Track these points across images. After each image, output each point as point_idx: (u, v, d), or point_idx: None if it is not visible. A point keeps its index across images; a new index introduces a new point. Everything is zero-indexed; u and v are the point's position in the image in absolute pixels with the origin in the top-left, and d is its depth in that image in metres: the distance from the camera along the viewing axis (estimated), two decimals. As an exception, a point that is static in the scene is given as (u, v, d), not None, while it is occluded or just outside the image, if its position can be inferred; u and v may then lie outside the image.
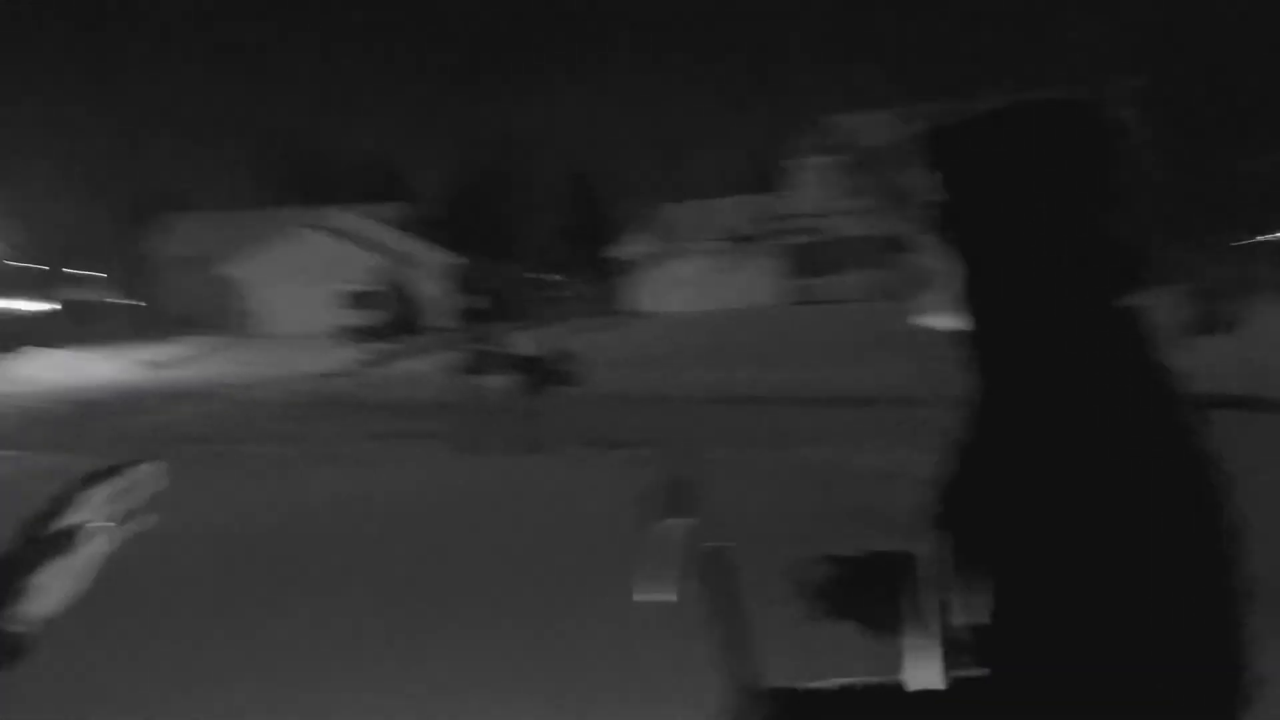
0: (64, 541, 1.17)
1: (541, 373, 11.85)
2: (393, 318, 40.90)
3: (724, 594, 1.49)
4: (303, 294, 42.49)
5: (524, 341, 14.69)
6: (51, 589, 1.16)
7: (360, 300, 42.24)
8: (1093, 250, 1.26)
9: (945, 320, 1.38)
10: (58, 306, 52.25)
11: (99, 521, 1.20)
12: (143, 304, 54.77)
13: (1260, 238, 17.00)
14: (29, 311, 48.28)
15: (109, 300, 57.58)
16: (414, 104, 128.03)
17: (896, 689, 1.35)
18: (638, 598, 1.49)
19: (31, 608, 1.15)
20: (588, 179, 77.17)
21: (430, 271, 46.05)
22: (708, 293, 39.01)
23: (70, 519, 1.19)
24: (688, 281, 40.66)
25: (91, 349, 34.67)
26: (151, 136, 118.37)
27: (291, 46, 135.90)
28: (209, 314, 45.55)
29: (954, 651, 1.29)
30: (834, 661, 1.76)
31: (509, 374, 12.09)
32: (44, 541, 1.16)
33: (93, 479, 1.23)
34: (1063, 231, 1.26)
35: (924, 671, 1.31)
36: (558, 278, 74.39)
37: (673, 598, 1.44)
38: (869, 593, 1.46)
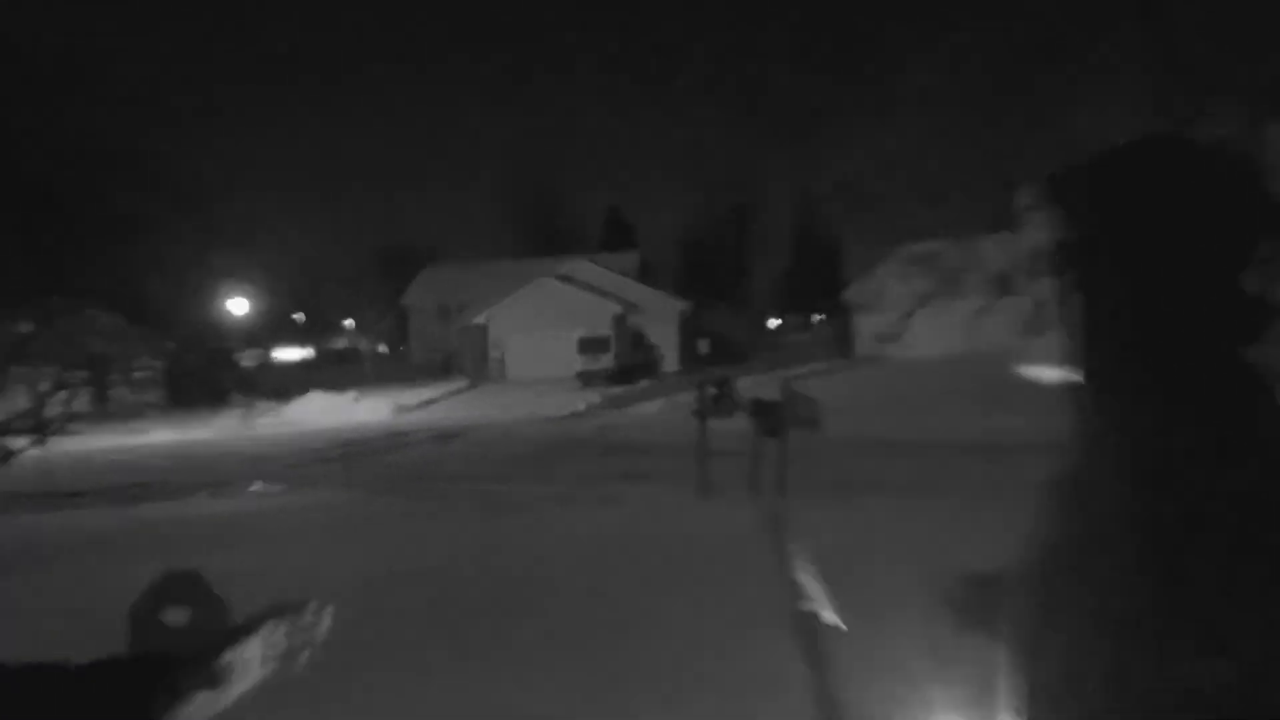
0: (237, 667, 1.23)
1: (780, 416, 11.54)
2: (628, 362, 41.65)
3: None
4: (545, 340, 44.01)
5: (759, 385, 14.45)
6: (203, 702, 1.21)
7: (597, 345, 43.31)
8: (1222, 299, 1.20)
9: (1054, 371, 1.31)
10: (318, 353, 56.21)
11: (270, 654, 1.26)
12: (395, 350, 58.25)
13: None
14: (296, 360, 52.19)
15: (364, 347, 61.55)
16: (650, 157, 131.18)
17: None
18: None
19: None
20: (816, 225, 76.58)
21: (663, 316, 46.68)
22: (945, 335, 37.62)
23: (249, 647, 1.24)
24: (921, 324, 39.39)
25: (348, 392, 37.00)
26: (405, 189, 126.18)
27: (533, 104, 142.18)
28: (457, 359, 47.87)
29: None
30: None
31: (746, 417, 11.86)
32: (220, 662, 1.23)
33: (280, 612, 1.28)
34: (1193, 278, 1.20)
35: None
36: (789, 321, 73.86)
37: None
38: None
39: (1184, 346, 1.20)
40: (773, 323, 74.09)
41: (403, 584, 8.45)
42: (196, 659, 1.24)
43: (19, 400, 11.57)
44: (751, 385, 14.22)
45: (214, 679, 1.22)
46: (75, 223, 10.81)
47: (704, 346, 46.79)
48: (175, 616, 5.13)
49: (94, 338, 12.34)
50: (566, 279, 47.25)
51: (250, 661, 1.25)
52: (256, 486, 16.74)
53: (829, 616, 1.78)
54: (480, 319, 47.01)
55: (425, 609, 7.60)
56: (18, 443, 11.37)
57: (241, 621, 1.29)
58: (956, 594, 1.59)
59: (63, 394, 11.69)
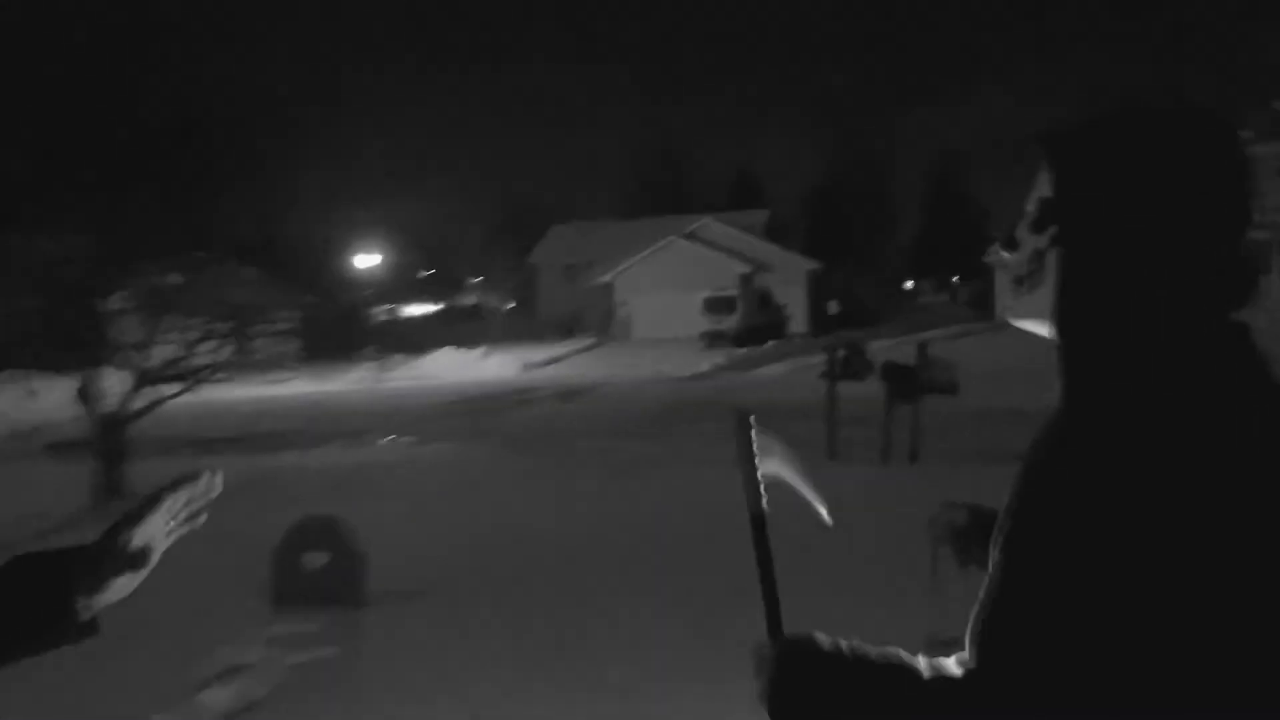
0: (146, 543, 1.30)
1: (914, 381, 11.24)
2: (753, 323, 41.32)
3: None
4: (670, 299, 43.99)
5: (892, 349, 14.12)
6: (123, 582, 1.30)
7: (723, 306, 43.09)
8: (1211, 262, 1.23)
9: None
10: (447, 309, 57.36)
11: (174, 524, 1.33)
12: (522, 308, 59.04)
13: None
14: (426, 314, 53.39)
15: (492, 304, 62.56)
16: (781, 115, 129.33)
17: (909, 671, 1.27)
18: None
19: (105, 597, 1.29)
20: (953, 182, 74.39)
21: (791, 277, 46.12)
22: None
23: (153, 522, 1.30)
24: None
25: (475, 349, 37.67)
26: (534, 148, 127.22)
27: (665, 65, 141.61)
28: (582, 318, 48.28)
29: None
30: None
31: (877, 381, 11.59)
32: (129, 540, 1.28)
33: (176, 485, 1.33)
34: (1180, 244, 1.23)
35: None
36: (924, 283, 72.11)
37: None
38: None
39: (1170, 309, 1.22)
40: (907, 285, 72.47)
41: (511, 542, 8.55)
42: (109, 542, 1.29)
43: (168, 350, 12.06)
44: (884, 349, 13.92)
45: (133, 561, 1.28)
46: (218, 177, 11.15)
47: (834, 308, 46.07)
48: (314, 560, 5.31)
49: (236, 290, 12.74)
50: (693, 238, 47.04)
51: (157, 535, 1.31)
52: (387, 439, 17.20)
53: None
54: (606, 278, 47.22)
55: (526, 570, 7.67)
56: (167, 391, 11.86)
57: (142, 499, 1.34)
58: (958, 530, 1.68)
59: (208, 344, 12.14)
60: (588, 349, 40.24)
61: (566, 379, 27.69)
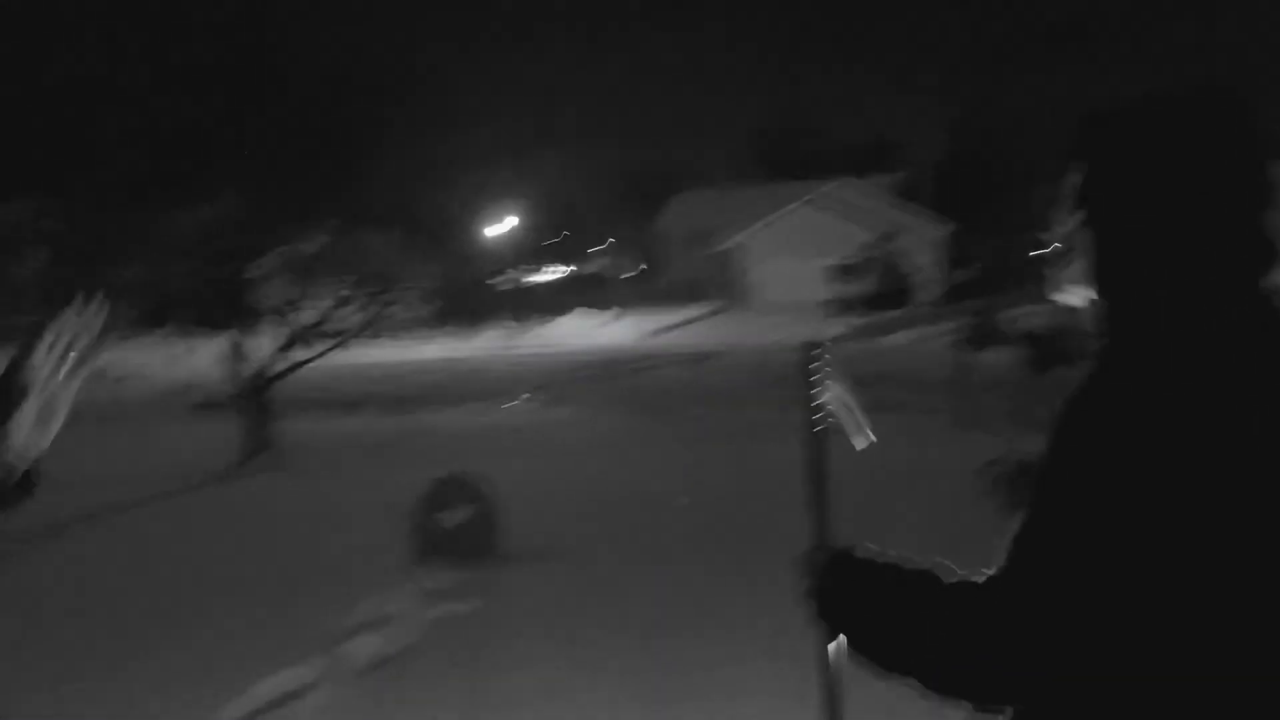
0: (29, 382, 1.33)
1: (1052, 350, 10.89)
2: (881, 289, 40.59)
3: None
4: (796, 265, 43.49)
5: (1028, 316, 13.68)
6: (22, 426, 1.33)
7: (851, 272, 42.40)
8: (1235, 237, 1.30)
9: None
10: (573, 276, 57.89)
11: (63, 364, 1.36)
12: (648, 274, 59.22)
13: None
14: (553, 280, 54.04)
15: (617, 271, 62.89)
16: (912, 76, 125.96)
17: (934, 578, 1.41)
18: None
19: (16, 443, 1.32)
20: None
21: (922, 242, 45.08)
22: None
23: (35, 359, 1.34)
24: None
25: (601, 314, 37.98)
26: (658, 113, 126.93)
27: (794, 24, 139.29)
28: (708, 284, 48.18)
29: None
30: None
31: (1012, 350, 11.27)
32: (14, 385, 1.32)
33: (38, 328, 1.36)
34: (1196, 219, 1.29)
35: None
36: (1056, 249, 69.57)
37: None
38: None
39: (1197, 282, 1.29)
40: (1046, 249, 69.85)
41: (638, 506, 8.61)
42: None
43: (311, 313, 12.50)
44: (1019, 316, 13.50)
45: (16, 401, 1.33)
46: (355, 143, 11.44)
47: (965, 274, 44.86)
48: (453, 516, 5.43)
49: (372, 256, 13.09)
50: (820, 203, 46.35)
51: (42, 373, 1.34)
52: (515, 401, 17.52)
53: None
54: (731, 244, 46.97)
55: (655, 533, 7.71)
56: (309, 352, 12.29)
57: (22, 340, 1.38)
58: (1004, 477, 1.79)
59: (349, 308, 12.54)
60: (711, 315, 40.16)
61: (690, 345, 27.71)
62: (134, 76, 10.75)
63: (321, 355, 12.37)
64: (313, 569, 6.79)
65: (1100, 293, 1.37)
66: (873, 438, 1.77)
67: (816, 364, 1.77)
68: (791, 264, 44.17)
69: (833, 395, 1.79)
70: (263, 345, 12.14)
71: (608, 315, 35.19)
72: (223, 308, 11.98)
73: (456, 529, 6.77)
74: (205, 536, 7.96)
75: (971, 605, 1.33)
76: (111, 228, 11.82)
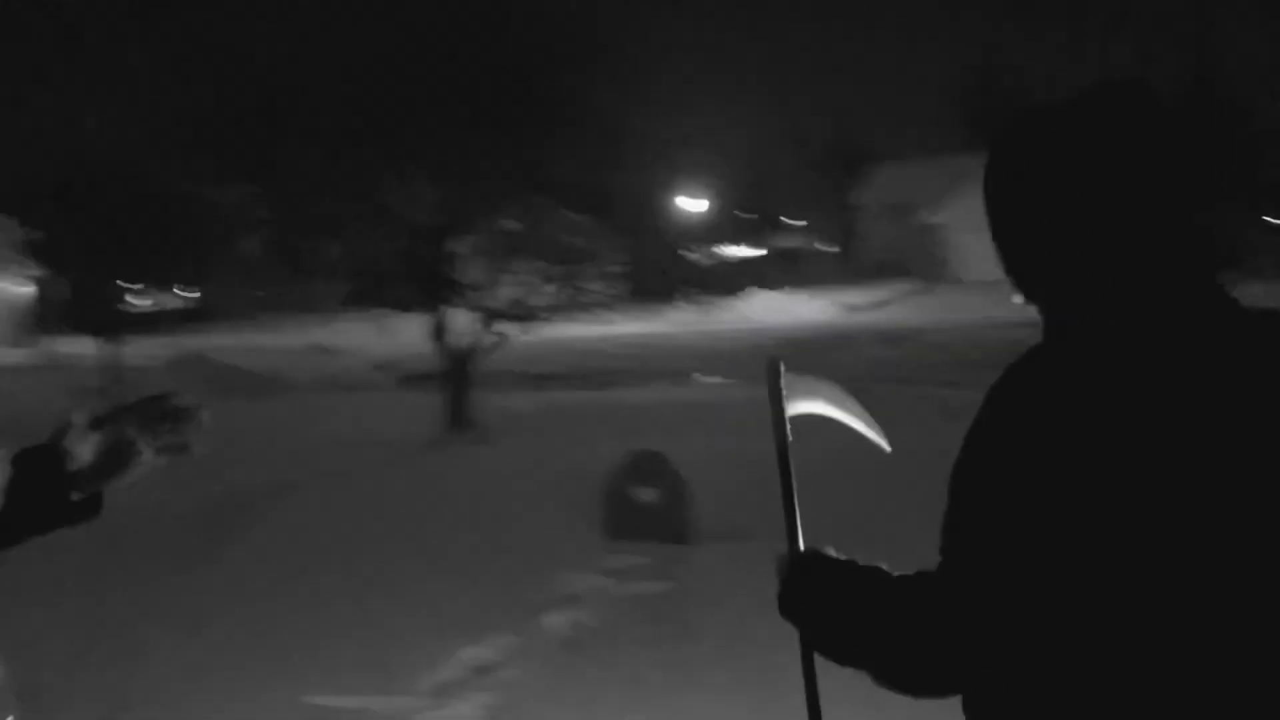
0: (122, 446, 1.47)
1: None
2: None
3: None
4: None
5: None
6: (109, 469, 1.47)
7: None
8: (1175, 234, 1.32)
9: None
10: (766, 252, 57.39)
11: (154, 440, 1.49)
12: (842, 250, 58.10)
13: None
14: (745, 257, 53.72)
15: (811, 246, 61.95)
16: (1128, 33, 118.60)
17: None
18: None
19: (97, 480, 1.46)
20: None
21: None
22: None
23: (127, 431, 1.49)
24: None
25: (795, 292, 37.43)
26: (858, 81, 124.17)
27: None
28: (906, 259, 46.81)
29: None
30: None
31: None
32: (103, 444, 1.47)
33: (157, 406, 1.51)
34: (1145, 213, 1.32)
35: None
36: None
37: None
38: None
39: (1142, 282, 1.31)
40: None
41: (815, 483, 8.32)
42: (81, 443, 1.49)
43: (507, 291, 12.76)
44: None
45: (112, 458, 1.49)
46: (553, 122, 11.53)
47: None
48: (644, 494, 5.27)
49: (568, 235, 13.23)
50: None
51: (135, 443, 1.49)
52: (708, 379, 17.44)
53: None
54: (934, 218, 45.47)
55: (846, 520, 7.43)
56: (507, 329, 12.54)
57: (116, 409, 1.53)
58: None
59: (546, 286, 12.72)
60: (913, 293, 39.01)
61: (890, 323, 26.97)
62: (340, 58, 11.16)
63: (521, 332, 12.59)
64: (508, 540, 6.87)
65: (1025, 290, 1.43)
66: (884, 444, 1.88)
67: (778, 379, 1.91)
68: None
69: (819, 407, 1.95)
70: (465, 322, 12.45)
71: (794, 296, 34.67)
72: (427, 285, 12.34)
73: (648, 506, 6.72)
74: (409, 504, 8.20)
75: (909, 596, 1.41)
76: (322, 209, 12.37)
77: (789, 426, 1.88)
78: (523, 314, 12.69)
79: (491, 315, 12.33)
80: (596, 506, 6.89)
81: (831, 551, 1.61)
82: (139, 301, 29.68)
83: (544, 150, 11.53)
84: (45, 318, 35.12)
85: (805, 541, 1.73)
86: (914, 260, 46.32)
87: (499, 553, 6.57)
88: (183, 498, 7.36)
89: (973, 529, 1.32)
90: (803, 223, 68.20)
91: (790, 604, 1.59)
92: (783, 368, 1.95)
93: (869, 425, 1.91)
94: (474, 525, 7.34)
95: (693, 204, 23.74)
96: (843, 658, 1.51)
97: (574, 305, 13.31)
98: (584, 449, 9.54)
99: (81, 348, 20.42)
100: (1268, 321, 1.31)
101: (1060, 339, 1.38)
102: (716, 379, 17.33)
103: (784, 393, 1.93)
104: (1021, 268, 1.43)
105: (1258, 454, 1.22)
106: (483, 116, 11.14)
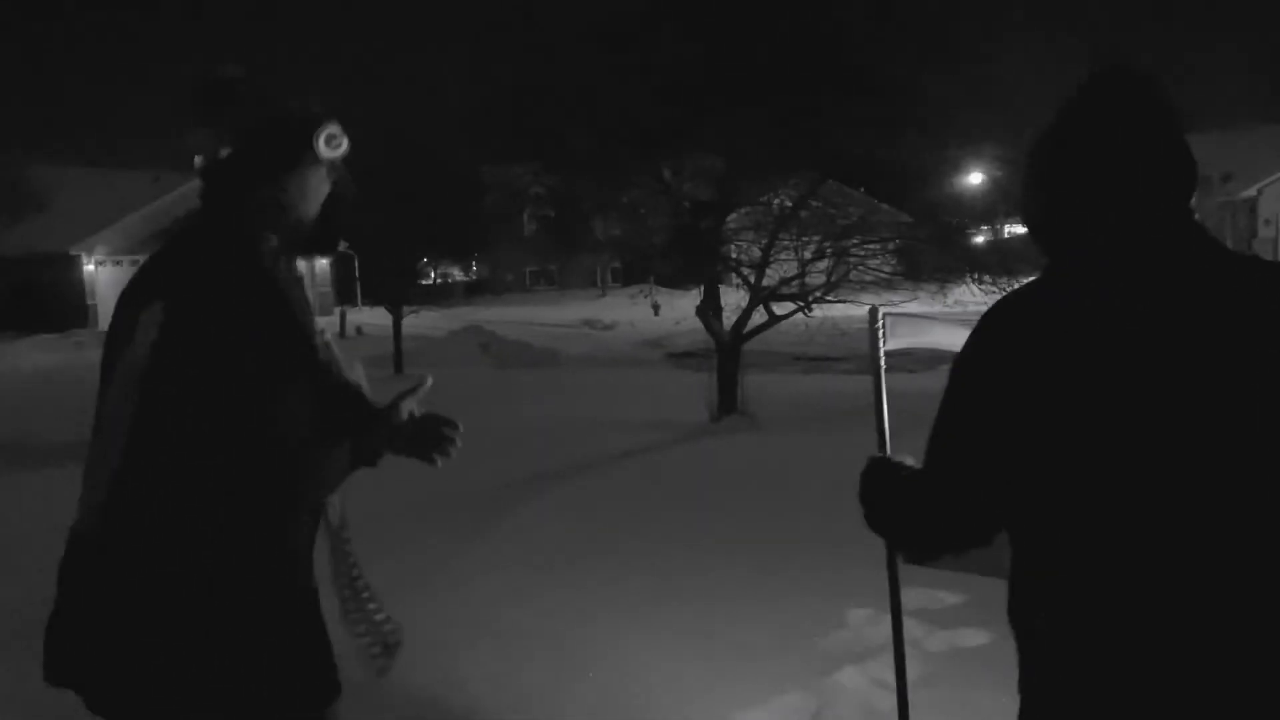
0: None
1: None
2: None
3: None
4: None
5: None
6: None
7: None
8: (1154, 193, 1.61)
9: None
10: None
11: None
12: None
13: None
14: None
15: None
16: None
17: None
18: None
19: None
20: None
21: None
22: None
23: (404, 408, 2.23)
24: None
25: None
26: (1163, 41, 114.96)
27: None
28: (1221, 237, 42.65)
29: None
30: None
31: None
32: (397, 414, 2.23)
33: (411, 392, 2.24)
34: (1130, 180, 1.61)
35: None
36: None
37: None
38: None
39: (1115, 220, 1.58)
40: None
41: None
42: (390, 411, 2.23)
43: (779, 268, 12.28)
44: None
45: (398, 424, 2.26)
46: (837, 92, 10.87)
47: None
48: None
49: (841, 210, 12.61)
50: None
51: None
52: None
53: None
54: (1249, 192, 41.41)
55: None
56: (784, 308, 12.08)
57: (396, 396, 2.24)
58: None
59: (821, 263, 12.16)
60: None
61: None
62: (623, 30, 11.01)
63: (795, 312, 12.08)
64: (785, 567, 6.17)
65: (1038, 230, 1.69)
66: None
67: (878, 324, 2.52)
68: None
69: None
70: (735, 300, 12.10)
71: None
72: (699, 261, 12.07)
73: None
74: (684, 492, 7.91)
75: (908, 484, 1.78)
76: (598, 186, 12.33)
77: (883, 359, 2.54)
78: (796, 292, 12.19)
79: (763, 293, 11.91)
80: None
81: (909, 460, 1.89)
82: (428, 275, 31.35)
83: (827, 121, 10.89)
84: (341, 288, 37.85)
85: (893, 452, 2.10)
86: (1227, 237, 42.31)
87: (775, 580, 5.84)
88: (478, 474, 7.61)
89: (972, 419, 1.59)
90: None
91: (862, 496, 1.86)
92: (881, 312, 2.58)
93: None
94: (747, 521, 6.91)
95: (974, 177, 22.36)
96: (878, 531, 1.85)
97: (849, 283, 12.66)
98: (850, 438, 8.94)
99: (374, 317, 21.67)
100: (1240, 260, 1.57)
101: (1063, 271, 1.61)
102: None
103: (882, 333, 2.52)
104: (1044, 220, 1.67)
105: (1227, 358, 1.46)
106: (765, 87, 10.64)
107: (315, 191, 2.12)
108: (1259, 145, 43.58)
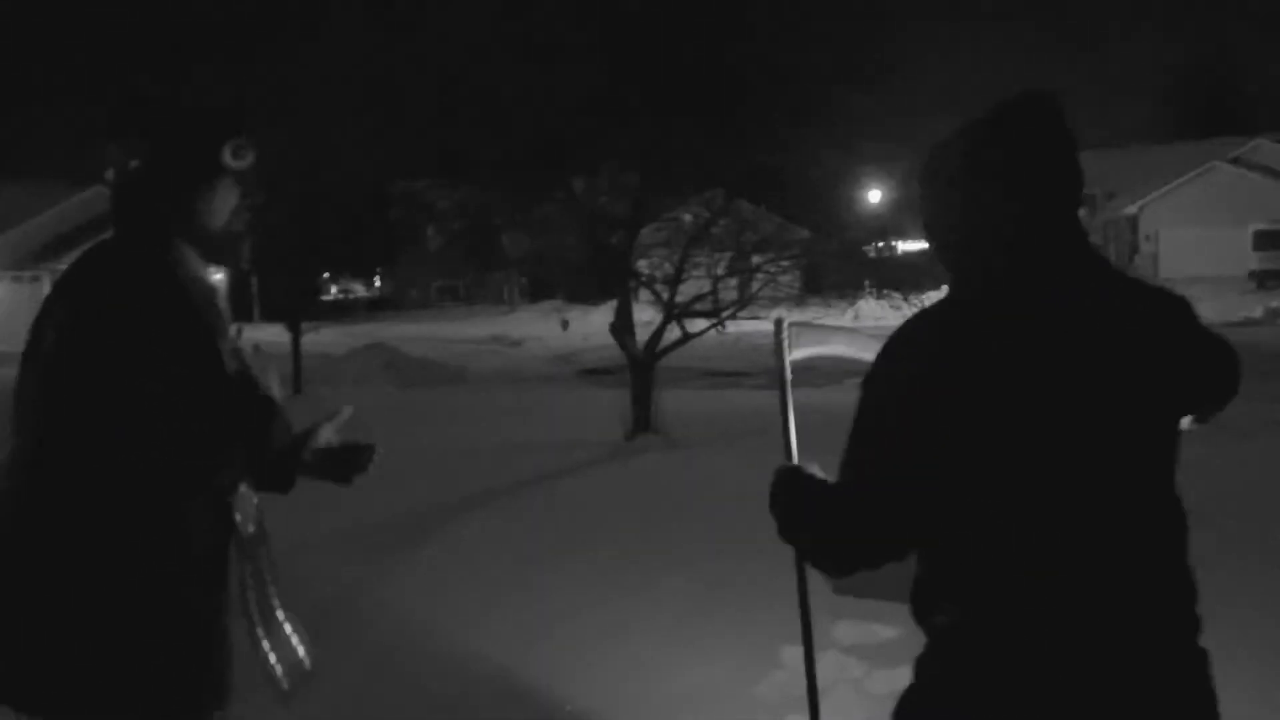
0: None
1: None
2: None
3: None
4: (1209, 233, 38.88)
5: None
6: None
7: (1278, 241, 37.32)
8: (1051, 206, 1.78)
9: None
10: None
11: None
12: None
13: None
14: (918, 251, 51.79)
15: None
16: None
17: None
18: None
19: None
20: None
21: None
22: None
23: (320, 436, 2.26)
24: None
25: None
26: (1052, 65, 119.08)
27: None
28: (1103, 253, 44.21)
29: None
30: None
31: None
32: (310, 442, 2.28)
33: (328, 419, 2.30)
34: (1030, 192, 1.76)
35: None
36: None
37: None
38: None
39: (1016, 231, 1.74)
40: None
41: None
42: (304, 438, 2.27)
43: (689, 285, 12.24)
44: None
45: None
46: (752, 109, 10.89)
47: None
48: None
49: (744, 226, 12.61)
50: (1241, 162, 41.21)
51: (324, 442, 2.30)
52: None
53: None
54: (1130, 209, 42.93)
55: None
56: (696, 325, 12.01)
57: (313, 424, 2.32)
58: None
59: (730, 280, 12.16)
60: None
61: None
62: (532, 43, 10.87)
63: (708, 329, 12.03)
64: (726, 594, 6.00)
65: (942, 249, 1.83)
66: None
67: (781, 335, 2.57)
68: (1202, 231, 39.69)
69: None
70: (647, 316, 12.03)
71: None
72: (611, 277, 11.97)
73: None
74: (604, 522, 7.74)
75: (824, 496, 1.81)
76: (508, 201, 12.15)
77: (789, 369, 2.57)
78: (708, 310, 12.18)
79: (674, 310, 11.86)
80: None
81: (816, 470, 1.95)
82: (329, 291, 30.69)
83: (737, 136, 10.91)
84: (237, 305, 36.88)
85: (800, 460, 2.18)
86: (1109, 254, 43.85)
87: (706, 621, 5.63)
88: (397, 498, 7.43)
89: (890, 428, 1.68)
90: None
91: (771, 506, 1.88)
92: (785, 323, 2.62)
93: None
94: (677, 541, 6.81)
95: (871, 195, 22.79)
96: (790, 542, 1.87)
97: (751, 299, 12.68)
98: (770, 455, 8.93)
99: (272, 335, 21.08)
100: (1124, 280, 1.79)
101: (966, 286, 1.76)
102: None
103: (786, 343, 2.56)
104: (946, 240, 1.80)
105: (1114, 368, 1.64)
106: (682, 102, 10.58)
107: (223, 201, 2.17)
108: (1141, 164, 45.35)
